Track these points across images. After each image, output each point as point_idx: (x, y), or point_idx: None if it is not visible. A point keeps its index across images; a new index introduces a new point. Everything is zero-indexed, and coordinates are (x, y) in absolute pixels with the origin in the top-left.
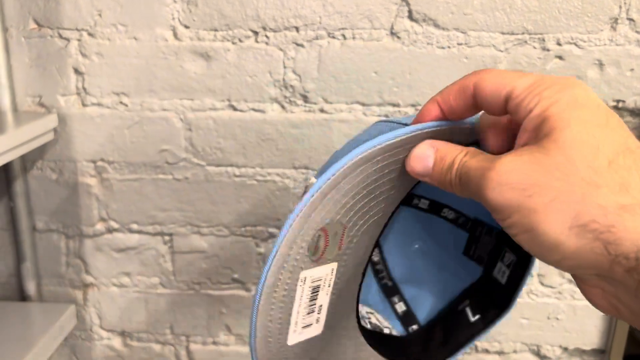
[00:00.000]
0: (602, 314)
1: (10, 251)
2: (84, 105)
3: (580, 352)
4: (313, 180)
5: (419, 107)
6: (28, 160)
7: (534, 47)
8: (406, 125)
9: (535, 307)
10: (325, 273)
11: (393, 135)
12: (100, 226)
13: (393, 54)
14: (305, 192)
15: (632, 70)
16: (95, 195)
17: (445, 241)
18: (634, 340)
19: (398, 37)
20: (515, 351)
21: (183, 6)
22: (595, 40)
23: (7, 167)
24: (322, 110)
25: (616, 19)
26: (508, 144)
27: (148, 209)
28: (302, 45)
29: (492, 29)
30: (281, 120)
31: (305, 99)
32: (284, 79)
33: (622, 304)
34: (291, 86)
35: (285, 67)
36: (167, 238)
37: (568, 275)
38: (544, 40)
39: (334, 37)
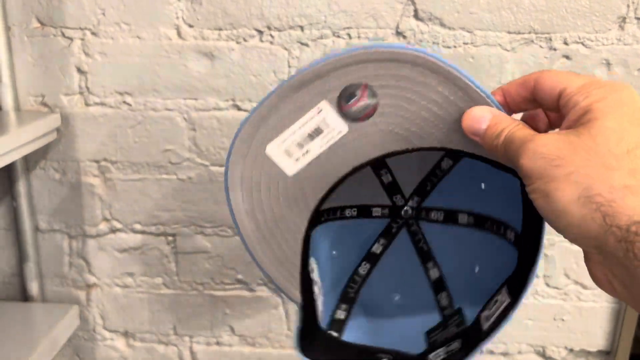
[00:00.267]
0: (608, 315)
1: (12, 251)
2: (87, 104)
3: (586, 353)
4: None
5: None
6: (31, 160)
7: (541, 47)
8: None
9: (541, 308)
10: (337, 128)
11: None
12: (103, 226)
13: None
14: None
15: (639, 70)
16: (99, 195)
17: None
18: None
19: (404, 37)
20: (520, 352)
21: (187, 5)
22: (603, 39)
23: (10, 167)
24: None
25: (624, 18)
26: None
27: (151, 209)
28: (306, 45)
29: (498, 28)
30: None
31: None
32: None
33: (616, 277)
34: None
35: (289, 66)
36: (170, 238)
37: (574, 276)
38: (550, 39)
39: (338, 36)
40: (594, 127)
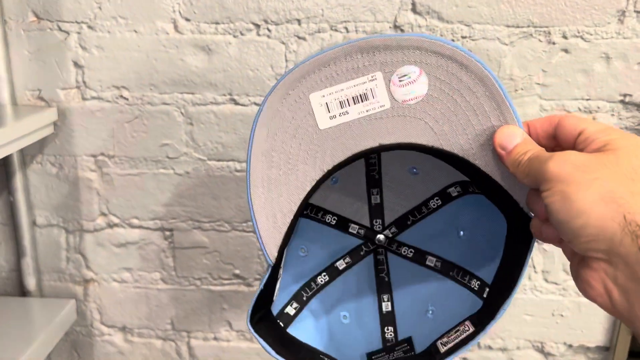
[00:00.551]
0: None
1: (10, 246)
2: (84, 99)
3: (585, 349)
4: None
5: None
6: (28, 155)
7: (540, 41)
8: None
9: (540, 304)
10: (381, 101)
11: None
12: (100, 221)
13: None
14: None
15: (639, 64)
16: (96, 190)
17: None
18: None
19: (401, 30)
20: (518, 348)
21: None
22: (602, 33)
23: (7, 161)
24: None
25: (624, 12)
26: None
27: (149, 204)
28: (304, 39)
29: (496, 21)
30: None
31: None
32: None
33: (617, 285)
34: None
35: (287, 60)
36: (168, 233)
37: None
38: (549, 33)
39: (336, 30)
40: (614, 149)
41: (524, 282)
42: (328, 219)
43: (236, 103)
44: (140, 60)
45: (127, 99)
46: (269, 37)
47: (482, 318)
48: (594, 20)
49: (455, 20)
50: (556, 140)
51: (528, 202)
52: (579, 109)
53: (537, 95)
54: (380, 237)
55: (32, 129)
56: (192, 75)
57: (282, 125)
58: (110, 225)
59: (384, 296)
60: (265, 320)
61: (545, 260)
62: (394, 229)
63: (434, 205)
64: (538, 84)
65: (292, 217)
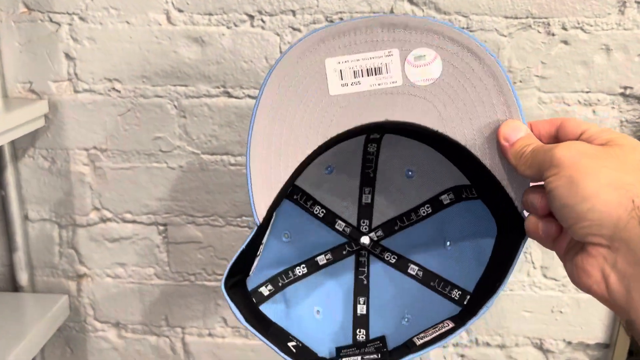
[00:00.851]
0: (606, 308)
1: (1, 241)
2: (75, 91)
3: (584, 346)
4: None
5: None
6: (19, 148)
7: (539, 32)
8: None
9: (539, 300)
10: (393, 77)
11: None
12: (93, 215)
13: None
14: None
15: None
16: (89, 184)
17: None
18: None
19: None
20: (517, 344)
21: None
22: (603, 24)
23: None
24: None
25: (624, 2)
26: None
27: (142, 198)
28: (299, 30)
29: (495, 12)
30: None
31: None
32: None
33: (616, 270)
34: None
35: (281, 52)
36: (161, 228)
37: None
38: (548, 24)
39: (331, 21)
40: (621, 146)
41: (522, 278)
42: (316, 211)
43: (230, 95)
44: (133, 52)
45: (119, 92)
46: (263, 28)
47: (463, 316)
48: (594, 11)
49: (453, 11)
50: (557, 141)
51: (525, 199)
52: (579, 102)
53: (535, 88)
54: (365, 239)
55: (23, 121)
56: (185, 67)
57: (292, 84)
58: (104, 220)
59: (360, 299)
60: (240, 288)
61: (544, 256)
62: (380, 233)
63: (423, 212)
64: (537, 76)
65: (287, 178)
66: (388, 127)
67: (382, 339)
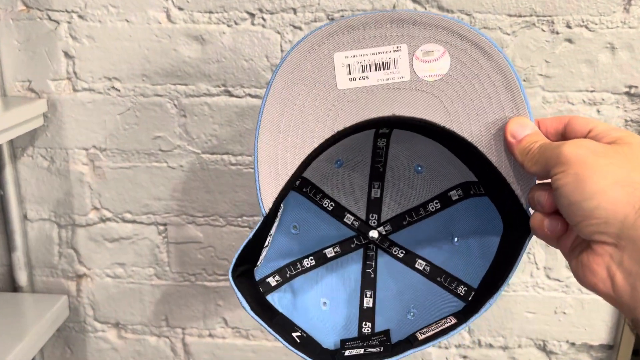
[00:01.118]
0: (610, 308)
1: (0, 241)
2: (74, 90)
3: (588, 347)
4: None
5: None
6: (18, 148)
7: (543, 30)
8: None
9: (542, 301)
10: (401, 72)
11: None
12: (93, 215)
13: None
14: None
15: None
16: (88, 184)
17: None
18: None
19: None
20: (520, 346)
21: None
22: (607, 22)
23: None
24: None
25: (629, 0)
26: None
27: (142, 198)
28: (300, 28)
29: (498, 10)
30: None
31: None
32: None
33: (622, 268)
34: None
35: (282, 50)
36: (161, 228)
37: None
38: (553, 22)
39: (333, 19)
40: (630, 144)
41: (525, 279)
42: (325, 204)
43: (230, 94)
44: (132, 50)
45: (118, 91)
46: (264, 26)
47: (466, 313)
48: (599, 9)
49: (456, 9)
50: (564, 138)
51: (531, 196)
52: (583, 101)
53: (539, 87)
54: (374, 233)
55: (21, 120)
56: (185, 65)
57: (301, 77)
58: (103, 220)
59: (367, 292)
60: (247, 278)
61: (548, 257)
62: (388, 227)
63: (432, 208)
64: (541, 75)
65: (293, 170)
66: (395, 122)
67: (386, 332)
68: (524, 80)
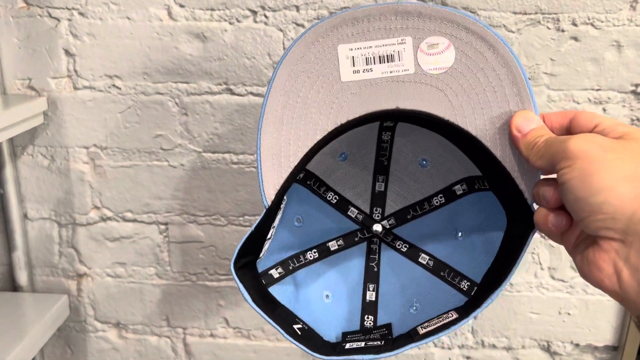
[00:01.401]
0: (615, 309)
1: (0, 240)
2: (75, 88)
3: (592, 348)
4: None
5: None
6: (18, 146)
7: (548, 28)
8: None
9: (546, 302)
10: (405, 65)
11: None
12: (93, 214)
13: None
14: None
15: None
16: (89, 182)
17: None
18: None
19: None
20: (524, 347)
21: None
22: (614, 20)
23: None
24: None
25: None
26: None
27: (143, 197)
28: (302, 26)
29: (503, 8)
30: None
31: None
32: None
33: (628, 264)
34: None
35: (285, 48)
36: (162, 227)
37: None
38: (558, 20)
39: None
40: (636, 139)
41: (530, 279)
42: (329, 197)
43: (232, 93)
44: (133, 48)
45: (119, 89)
46: (266, 24)
47: (468, 308)
48: (605, 6)
49: (460, 6)
50: (570, 133)
51: (536, 191)
52: (589, 100)
53: (544, 85)
54: (377, 227)
55: (21, 118)
56: (186, 63)
57: (305, 69)
58: (104, 219)
59: (370, 285)
60: (249, 269)
61: (552, 257)
62: (392, 221)
63: (436, 202)
64: (546, 73)
65: (296, 163)
66: (399, 115)
67: (388, 326)
68: (529, 79)
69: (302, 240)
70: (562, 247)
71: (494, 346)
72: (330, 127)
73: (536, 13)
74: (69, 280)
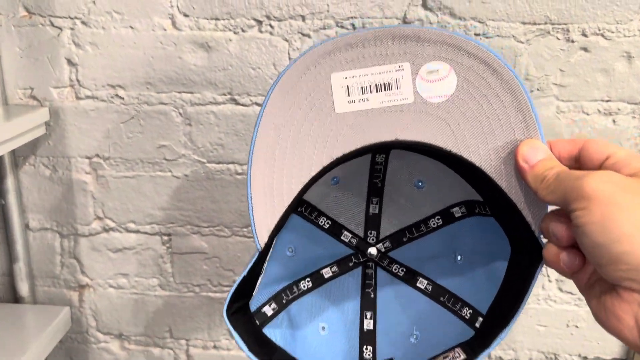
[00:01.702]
0: None
1: (2, 251)
2: (78, 98)
3: None
4: None
5: None
6: (20, 156)
7: (557, 38)
8: None
9: (554, 314)
10: (404, 94)
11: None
12: (96, 225)
13: None
14: None
15: None
16: (91, 193)
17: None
18: None
19: None
20: (531, 359)
21: None
22: (624, 30)
23: None
24: None
25: None
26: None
27: (146, 208)
28: (308, 36)
29: (512, 18)
30: None
31: None
32: None
33: None
34: None
35: (290, 58)
36: (165, 238)
37: None
38: (568, 30)
39: (342, 27)
40: None
41: (537, 291)
42: (321, 222)
43: (237, 103)
44: (137, 57)
45: (122, 98)
46: (271, 33)
47: (475, 346)
48: (616, 17)
49: (469, 16)
50: (579, 163)
51: (545, 226)
52: (598, 111)
53: (554, 96)
54: (372, 250)
55: (23, 130)
56: (190, 73)
57: (296, 101)
58: (106, 230)
59: (367, 313)
60: (243, 313)
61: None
62: (387, 244)
63: (434, 224)
64: (555, 84)
65: (290, 201)
66: (398, 147)
67: None
68: (538, 90)
69: (295, 270)
70: None
71: (500, 358)
72: (325, 161)
73: (546, 23)
74: (71, 291)
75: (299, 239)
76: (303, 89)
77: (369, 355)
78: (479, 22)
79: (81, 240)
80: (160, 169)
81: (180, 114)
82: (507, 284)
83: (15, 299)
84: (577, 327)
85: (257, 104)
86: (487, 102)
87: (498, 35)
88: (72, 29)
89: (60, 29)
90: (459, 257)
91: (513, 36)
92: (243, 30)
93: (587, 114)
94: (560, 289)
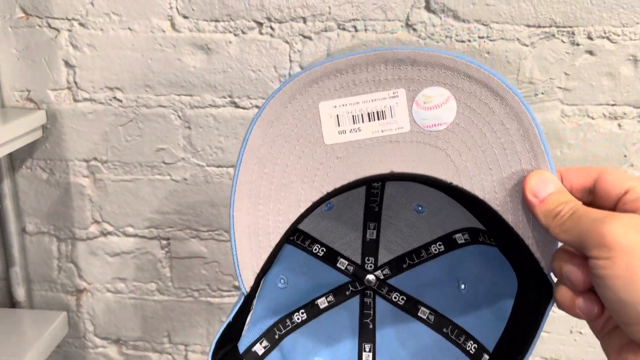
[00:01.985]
0: None
1: None
2: (75, 100)
3: None
4: None
5: None
6: (16, 159)
7: (562, 42)
8: None
9: (557, 320)
10: (399, 122)
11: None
12: (93, 229)
13: None
14: None
15: None
16: (88, 196)
17: None
18: None
19: (414, 29)
20: None
21: None
22: (630, 34)
23: None
24: None
25: None
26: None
27: (144, 212)
28: (309, 38)
29: (516, 21)
30: None
31: None
32: (289, 74)
33: None
34: None
35: (291, 60)
36: (164, 242)
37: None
38: (573, 33)
39: (344, 29)
40: None
41: None
42: (315, 249)
43: (237, 106)
44: (135, 60)
45: (121, 101)
46: (272, 36)
47: None
48: (622, 20)
49: (472, 19)
50: (593, 195)
51: (557, 267)
52: (604, 115)
53: (558, 100)
54: (371, 277)
55: (20, 133)
56: (190, 76)
57: (282, 132)
58: (104, 234)
59: (366, 345)
60: (231, 357)
61: None
62: (386, 271)
63: (435, 250)
64: (560, 87)
65: (277, 240)
66: (393, 179)
67: None
68: (542, 94)
69: (288, 302)
70: None
71: None
72: (315, 197)
73: (550, 26)
74: (68, 296)
75: (292, 269)
76: (289, 119)
77: None
78: (483, 24)
79: (79, 244)
80: (159, 172)
81: (179, 116)
82: (515, 319)
83: (12, 303)
84: (580, 333)
85: (257, 107)
86: (491, 130)
87: (502, 38)
88: (69, 30)
89: (58, 30)
90: (462, 286)
91: (517, 39)
92: (243, 32)
93: (592, 118)
94: None
